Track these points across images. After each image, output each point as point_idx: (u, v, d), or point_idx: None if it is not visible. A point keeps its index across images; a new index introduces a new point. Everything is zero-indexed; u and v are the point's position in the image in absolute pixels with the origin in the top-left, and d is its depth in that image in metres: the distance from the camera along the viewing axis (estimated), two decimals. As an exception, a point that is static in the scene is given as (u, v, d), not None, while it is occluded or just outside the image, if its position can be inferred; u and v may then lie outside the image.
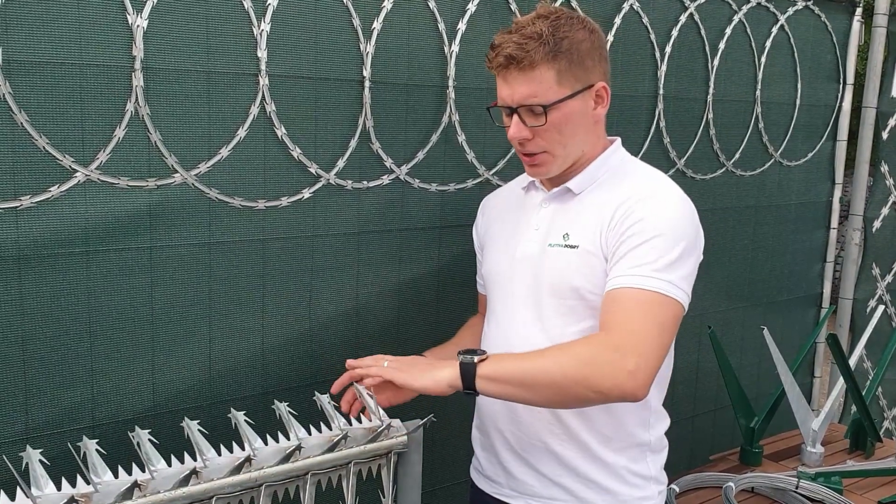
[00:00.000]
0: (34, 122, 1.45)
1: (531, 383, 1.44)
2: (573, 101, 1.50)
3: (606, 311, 1.47)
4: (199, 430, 1.43)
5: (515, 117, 1.52)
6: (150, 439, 1.38)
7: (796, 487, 2.20)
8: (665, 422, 1.69)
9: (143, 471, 1.29)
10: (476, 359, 1.46)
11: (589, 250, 1.53)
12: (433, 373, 1.48)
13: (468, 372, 1.45)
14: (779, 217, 2.86)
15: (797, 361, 2.56)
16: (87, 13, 1.47)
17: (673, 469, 1.71)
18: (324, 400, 1.58)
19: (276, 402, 1.57)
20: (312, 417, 1.55)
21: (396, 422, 1.55)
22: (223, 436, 1.47)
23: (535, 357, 1.46)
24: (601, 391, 1.41)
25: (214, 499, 1.32)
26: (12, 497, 1.20)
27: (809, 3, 2.75)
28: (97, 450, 1.33)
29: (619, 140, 1.65)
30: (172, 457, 1.34)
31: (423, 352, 1.77)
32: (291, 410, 1.53)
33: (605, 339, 1.44)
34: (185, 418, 1.48)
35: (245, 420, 1.47)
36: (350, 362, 1.61)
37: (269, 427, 1.49)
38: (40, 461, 1.28)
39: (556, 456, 1.62)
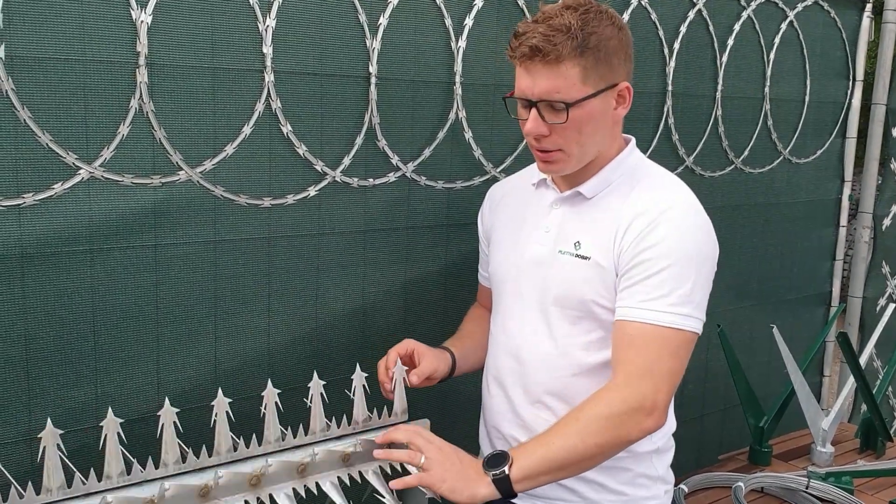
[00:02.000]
0: (37, 119, 1.44)
1: (567, 466, 1.42)
2: (596, 100, 1.45)
3: (620, 346, 1.46)
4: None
5: (534, 112, 1.46)
6: (174, 422, 1.34)
7: (806, 487, 2.18)
8: (670, 423, 1.66)
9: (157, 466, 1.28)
10: (507, 469, 1.39)
11: (601, 264, 1.50)
12: (471, 488, 1.40)
13: (504, 486, 1.40)
14: (788, 215, 2.84)
15: (806, 360, 2.54)
16: (90, 9, 1.46)
17: (681, 469, 1.70)
18: (359, 379, 1.53)
19: (314, 374, 1.51)
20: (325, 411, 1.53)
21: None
22: (233, 434, 1.45)
23: (558, 438, 1.41)
24: (631, 440, 1.45)
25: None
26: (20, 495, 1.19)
27: (819, -1, 2.73)
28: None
29: (633, 140, 1.61)
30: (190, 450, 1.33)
31: (439, 346, 1.75)
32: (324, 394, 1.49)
33: (619, 391, 1.43)
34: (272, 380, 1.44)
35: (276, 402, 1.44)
36: (385, 437, 1.50)
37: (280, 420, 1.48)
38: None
39: None
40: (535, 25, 1.43)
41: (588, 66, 1.43)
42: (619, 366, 1.46)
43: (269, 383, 1.38)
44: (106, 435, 1.23)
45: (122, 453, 1.25)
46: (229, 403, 1.67)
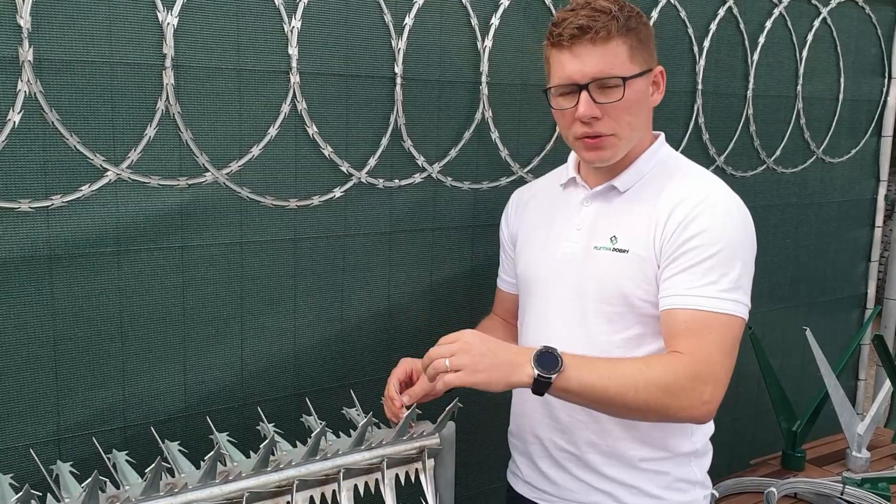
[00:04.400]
0: (65, 121, 1.45)
1: (606, 402, 1.38)
2: (642, 80, 1.46)
3: (675, 334, 1.43)
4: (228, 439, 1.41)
5: (584, 95, 1.44)
6: (179, 449, 1.37)
7: (841, 494, 2.14)
8: (709, 425, 1.63)
9: (173, 475, 1.28)
10: (554, 376, 1.34)
11: (641, 255, 1.48)
12: (507, 377, 1.35)
13: (541, 387, 1.35)
14: (821, 215, 2.79)
15: (841, 363, 2.49)
16: (117, 11, 1.46)
17: (713, 473, 1.66)
18: (352, 413, 1.56)
19: (303, 416, 1.54)
20: (344, 420, 1.53)
21: (427, 423, 1.53)
22: (255, 437, 1.46)
23: (614, 377, 1.37)
24: (675, 418, 1.41)
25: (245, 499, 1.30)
26: (43, 500, 1.20)
27: (853, -5, 2.68)
28: (127, 460, 1.32)
29: (662, 135, 1.60)
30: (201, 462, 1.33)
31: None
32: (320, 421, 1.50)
33: (683, 367, 1.39)
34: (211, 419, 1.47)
35: (274, 431, 1.45)
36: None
37: (301, 431, 1.48)
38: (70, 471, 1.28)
39: (597, 466, 1.58)
40: (574, 11, 1.44)
41: (633, 46, 1.44)
42: (674, 347, 1.43)
43: (324, 428, 1.37)
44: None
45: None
46: (254, 405, 1.69)
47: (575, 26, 1.42)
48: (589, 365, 1.38)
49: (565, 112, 1.49)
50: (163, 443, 1.40)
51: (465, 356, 1.34)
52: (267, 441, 1.29)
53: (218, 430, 1.43)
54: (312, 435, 1.36)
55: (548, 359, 1.35)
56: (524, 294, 1.69)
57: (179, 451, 1.39)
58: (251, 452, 1.41)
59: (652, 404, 1.37)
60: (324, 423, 1.45)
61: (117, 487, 1.25)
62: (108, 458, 1.39)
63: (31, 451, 1.46)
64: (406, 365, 1.57)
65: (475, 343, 1.36)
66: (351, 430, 1.49)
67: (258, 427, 1.55)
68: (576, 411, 1.56)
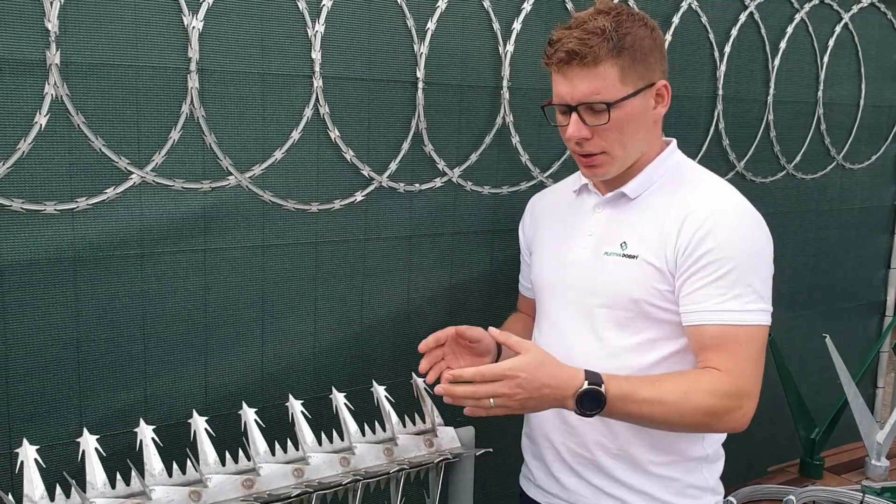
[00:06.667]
0: (91, 124, 1.46)
1: (648, 423, 1.46)
2: (635, 99, 1.46)
3: (706, 349, 1.45)
4: (255, 419, 1.42)
5: (574, 116, 1.47)
6: (206, 428, 1.38)
7: (861, 502, 2.12)
8: (720, 433, 1.63)
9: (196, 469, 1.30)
10: (595, 412, 1.39)
11: (651, 263, 1.48)
12: (556, 403, 1.39)
13: (589, 411, 1.39)
14: (841, 222, 2.77)
15: (860, 371, 2.48)
16: (143, 15, 1.47)
17: (730, 481, 1.66)
18: (380, 391, 1.56)
19: (333, 389, 1.55)
20: (366, 417, 1.53)
21: (450, 430, 1.53)
22: (276, 437, 1.46)
23: (657, 407, 1.40)
24: (715, 431, 1.55)
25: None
26: (67, 494, 1.21)
27: (875, 1, 2.66)
28: (153, 438, 1.33)
29: (674, 141, 1.60)
30: (227, 454, 1.34)
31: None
32: (348, 403, 1.51)
33: (724, 388, 1.42)
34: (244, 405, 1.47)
35: (301, 411, 1.46)
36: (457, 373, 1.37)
37: (321, 427, 1.48)
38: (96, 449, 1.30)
39: (609, 469, 1.58)
40: (569, 31, 1.44)
41: (625, 66, 1.43)
42: (706, 362, 1.46)
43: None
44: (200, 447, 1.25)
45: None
46: (274, 408, 1.69)
47: (564, 50, 1.43)
48: (630, 395, 1.40)
49: (561, 128, 1.52)
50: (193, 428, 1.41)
51: (511, 401, 1.35)
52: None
53: (239, 432, 1.44)
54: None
55: (590, 400, 1.38)
56: (538, 299, 1.71)
57: (206, 430, 1.40)
58: (276, 444, 1.42)
59: (695, 426, 1.47)
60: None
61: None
62: (136, 432, 1.40)
63: (53, 451, 1.47)
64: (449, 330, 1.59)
65: (526, 384, 1.35)
66: (376, 422, 1.50)
67: (286, 403, 1.54)
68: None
